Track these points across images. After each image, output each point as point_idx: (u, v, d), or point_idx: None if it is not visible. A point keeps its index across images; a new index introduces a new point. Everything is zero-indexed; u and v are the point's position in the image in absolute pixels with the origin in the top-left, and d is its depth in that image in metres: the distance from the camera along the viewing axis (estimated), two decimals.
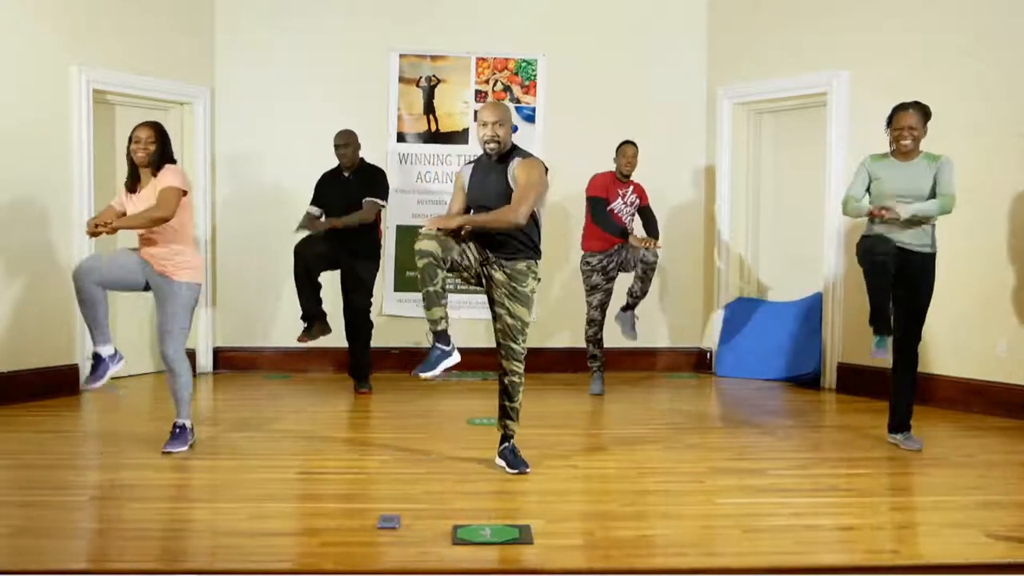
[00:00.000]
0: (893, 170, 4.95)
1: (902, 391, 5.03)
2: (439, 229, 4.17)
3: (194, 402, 5.12)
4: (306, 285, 6.25)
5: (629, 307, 6.54)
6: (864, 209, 4.93)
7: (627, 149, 6.43)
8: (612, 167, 6.47)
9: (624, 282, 6.52)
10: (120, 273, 4.71)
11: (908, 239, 4.92)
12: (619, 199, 6.42)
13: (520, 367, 4.49)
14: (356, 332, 6.45)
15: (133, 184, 4.77)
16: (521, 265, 4.43)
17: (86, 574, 3.29)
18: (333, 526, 3.73)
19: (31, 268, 6.12)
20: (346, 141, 6.35)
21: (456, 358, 4.31)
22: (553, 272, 7.47)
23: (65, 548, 3.54)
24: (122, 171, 4.91)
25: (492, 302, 4.47)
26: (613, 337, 6.67)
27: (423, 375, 4.26)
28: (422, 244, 4.11)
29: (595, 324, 6.46)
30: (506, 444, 4.53)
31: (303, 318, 6.32)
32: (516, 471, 4.43)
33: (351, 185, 6.33)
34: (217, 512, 3.94)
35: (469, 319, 7.19)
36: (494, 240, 4.39)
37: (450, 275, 4.29)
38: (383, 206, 6.41)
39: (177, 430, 4.86)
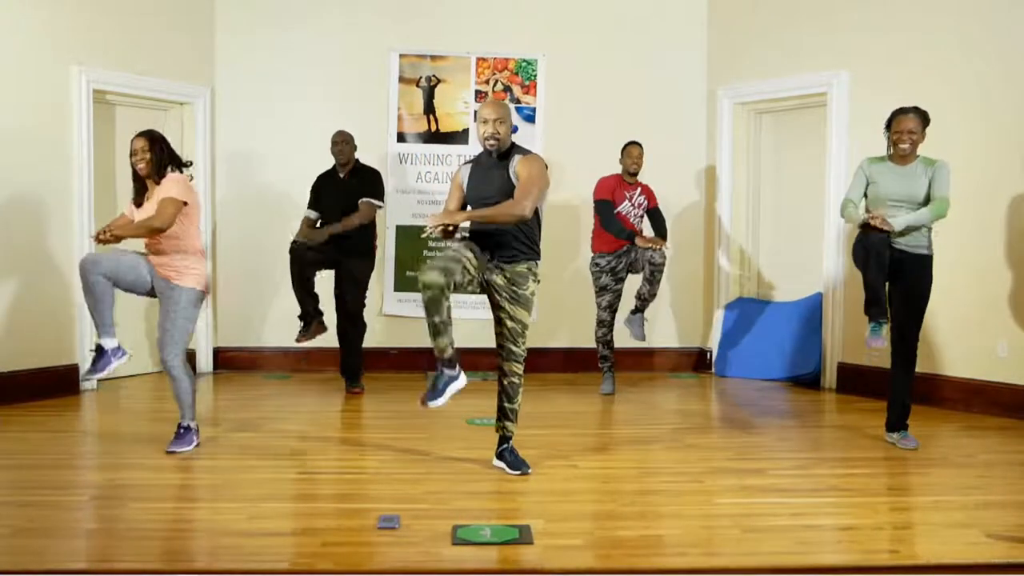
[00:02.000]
0: (889, 174, 4.95)
1: (899, 391, 5.05)
2: (442, 226, 4.13)
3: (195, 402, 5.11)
4: (302, 287, 6.25)
5: (638, 310, 6.52)
6: (859, 218, 4.92)
7: (632, 149, 6.42)
8: (617, 169, 6.48)
9: (633, 284, 6.52)
10: (127, 271, 4.66)
11: (904, 243, 4.93)
12: (626, 201, 6.42)
13: (520, 368, 4.50)
14: (346, 332, 6.44)
15: (140, 198, 4.76)
16: (521, 267, 4.42)
17: (86, 574, 3.29)
18: (333, 526, 3.73)
19: (31, 268, 6.12)
20: (345, 139, 6.39)
21: (463, 381, 4.25)
22: (554, 273, 7.47)
23: (65, 548, 3.54)
24: (123, 172, 4.93)
25: (494, 306, 4.48)
26: (617, 337, 6.65)
27: (432, 405, 4.18)
28: (427, 277, 3.98)
29: (604, 325, 6.46)
30: (505, 445, 4.53)
31: (301, 317, 6.31)
32: (518, 472, 4.43)
33: (349, 186, 6.34)
34: (217, 512, 3.93)
35: (469, 319, 7.17)
36: (494, 241, 4.36)
37: (455, 293, 4.17)
38: (380, 207, 6.40)
39: (181, 431, 4.86)
